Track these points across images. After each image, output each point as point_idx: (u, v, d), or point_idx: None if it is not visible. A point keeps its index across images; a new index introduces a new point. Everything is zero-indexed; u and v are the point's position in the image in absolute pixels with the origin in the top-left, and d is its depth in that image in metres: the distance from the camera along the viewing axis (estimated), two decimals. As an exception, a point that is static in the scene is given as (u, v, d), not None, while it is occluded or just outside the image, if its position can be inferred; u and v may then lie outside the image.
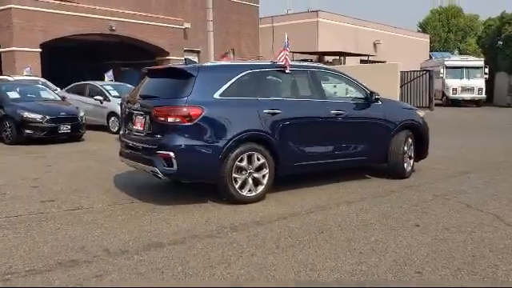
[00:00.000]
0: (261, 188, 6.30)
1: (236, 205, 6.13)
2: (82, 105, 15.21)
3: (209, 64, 6.64)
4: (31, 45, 21.76)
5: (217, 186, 6.21)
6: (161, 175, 5.91)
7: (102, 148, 11.73)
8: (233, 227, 5.31)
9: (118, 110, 14.43)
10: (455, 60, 31.36)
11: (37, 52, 22.12)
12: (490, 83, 31.81)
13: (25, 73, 19.21)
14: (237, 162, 6.06)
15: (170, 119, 5.82)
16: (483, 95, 30.21)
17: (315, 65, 7.12)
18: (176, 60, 32.26)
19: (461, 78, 30.10)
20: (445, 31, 62.31)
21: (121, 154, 6.84)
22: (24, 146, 12.03)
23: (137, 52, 31.16)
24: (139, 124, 6.33)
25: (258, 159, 6.23)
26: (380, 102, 7.39)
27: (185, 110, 5.78)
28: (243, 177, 6.16)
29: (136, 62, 33.73)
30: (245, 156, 6.12)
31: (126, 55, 32.80)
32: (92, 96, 15.79)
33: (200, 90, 5.94)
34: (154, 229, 5.29)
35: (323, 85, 7.22)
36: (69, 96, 15.89)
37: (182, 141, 5.77)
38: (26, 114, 12.30)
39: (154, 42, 29.34)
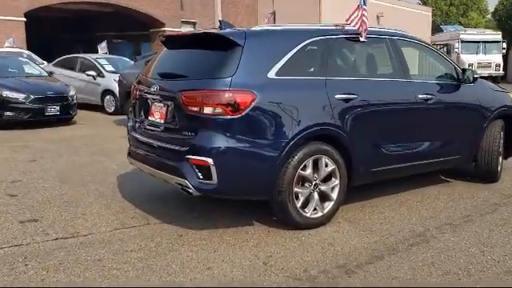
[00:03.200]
0: (329, 205, 4.49)
1: (297, 230, 4.31)
2: (72, 81, 13.25)
3: (258, 28, 4.68)
4: (14, 13, 19.60)
5: (269, 203, 4.36)
6: (192, 190, 4.05)
7: (98, 134, 9.79)
8: (309, 277, 3.49)
9: (113, 87, 12.53)
10: (471, 34, 29.39)
11: (21, 21, 19.92)
12: (504, 59, 30.04)
13: (7, 44, 17.10)
14: (299, 171, 4.20)
15: (206, 109, 3.93)
16: (501, 71, 28.42)
17: (394, 30, 5.10)
18: (173, 32, 30.12)
19: (477, 54, 28.27)
20: (446, 4, 60.39)
21: (130, 154, 4.94)
22: (3, 131, 10.07)
23: (130, 23, 29.17)
24: (158, 114, 4.42)
25: (327, 165, 4.39)
26: (473, 84, 5.51)
27: (228, 95, 3.89)
28: (307, 191, 4.32)
29: (129, 33, 31.65)
30: (310, 162, 4.28)
31: (118, 26, 30.79)
32: (84, 71, 13.76)
33: (249, 66, 4.04)
34: (190, 278, 3.45)
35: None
36: (57, 71, 13.85)
37: (224, 141, 3.90)
38: (6, 93, 10.33)
39: (148, 12, 27.15)
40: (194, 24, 33.65)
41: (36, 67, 12.55)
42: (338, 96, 4.42)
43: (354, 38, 4.76)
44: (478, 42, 28.54)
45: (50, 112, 10.64)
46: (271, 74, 4.12)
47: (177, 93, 4.16)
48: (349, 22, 4.73)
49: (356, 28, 4.72)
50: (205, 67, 4.20)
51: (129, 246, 4.05)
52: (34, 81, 11.31)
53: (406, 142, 5.03)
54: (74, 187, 5.79)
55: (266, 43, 4.27)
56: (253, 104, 3.96)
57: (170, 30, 29.95)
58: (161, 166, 4.36)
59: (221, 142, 3.93)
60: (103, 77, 13.39)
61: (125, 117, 11.38)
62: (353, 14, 4.72)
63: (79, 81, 13.66)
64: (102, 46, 16.80)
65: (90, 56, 14.61)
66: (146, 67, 5.01)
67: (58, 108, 10.71)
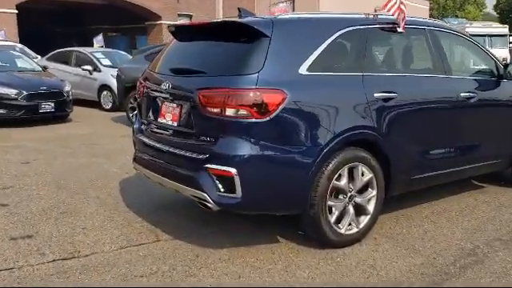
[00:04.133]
0: (365, 220, 3.94)
1: (329, 248, 3.77)
2: (67, 76, 12.60)
3: (286, 16, 4.09)
4: (6, 5, 18.82)
5: (298, 218, 3.81)
6: (212, 205, 3.47)
7: (96, 133, 9.18)
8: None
9: (111, 82, 11.93)
10: (477, 27, 28.77)
11: (13, 13, 19.17)
12: (511, 53, 29.49)
13: (-2, 37, 16.37)
14: (334, 181, 3.64)
15: (228, 111, 3.35)
16: (508, 66, 27.82)
17: (433, 21, 4.53)
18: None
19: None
20: (443, -3, 60.20)
21: (136, 160, 4.36)
22: (-5, 129, 9.43)
23: (125, 16, 28.54)
24: (170, 116, 3.85)
25: (363, 174, 3.83)
26: (514, 80, 4.97)
27: (255, 95, 3.32)
28: (341, 204, 3.77)
29: (124, 26, 30.97)
30: (345, 171, 3.72)
31: (113, 19, 30.16)
32: (79, 65, 13.11)
33: (278, 60, 3.47)
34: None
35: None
36: (51, 65, 13.19)
37: (250, 148, 3.34)
38: (-2, 89, 9.67)
39: (144, 5, 26.50)
40: (190, 17, 33.01)
41: (29, 61, 11.91)
42: (376, 95, 3.86)
43: (390, 28, 4.19)
44: (485, 35, 27.93)
45: (44, 109, 10.01)
46: (302, 70, 3.55)
47: (193, 91, 3.59)
48: (386, 10, 4.14)
49: (394, 17, 4.14)
50: (226, 62, 3.62)
51: (138, 269, 3.49)
52: (27, 76, 10.67)
53: (447, 146, 4.48)
54: (72, 194, 5.21)
55: (295, 33, 3.69)
56: (283, 105, 3.39)
57: (166, 23, 29.32)
58: (173, 176, 3.79)
59: (246, 149, 3.36)
60: (100, 71, 12.75)
61: (123, 114, 10.82)
62: (389, 1, 4.14)
63: (74, 75, 13.02)
64: (98, 39, 16.13)
65: (86, 49, 13.96)
66: (153, 62, 4.42)
67: (52, 105, 10.09)
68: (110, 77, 12.29)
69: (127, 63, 10.53)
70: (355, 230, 3.89)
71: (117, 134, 9.01)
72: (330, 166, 3.61)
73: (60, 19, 30.00)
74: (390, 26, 4.19)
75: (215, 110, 3.45)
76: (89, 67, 12.78)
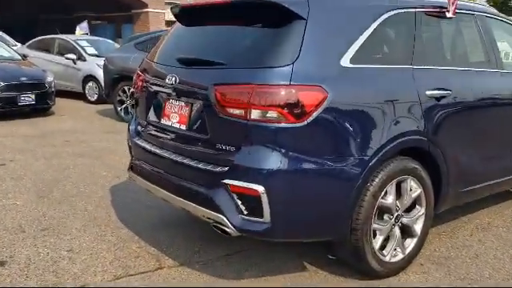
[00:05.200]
0: (412, 243, 3.29)
1: (371, 278, 3.09)
2: (49, 65, 11.72)
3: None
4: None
5: (333, 245, 3.12)
6: (231, 230, 2.75)
7: (81, 128, 8.35)
8: None
9: (96, 72, 11.15)
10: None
11: (-9, -2, 18.05)
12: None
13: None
14: (380, 200, 2.93)
15: (254, 113, 2.63)
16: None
17: (482, 6, 3.84)
18: (157, 13, 28.54)
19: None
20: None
21: (133, 169, 3.61)
22: (-31, 124, 8.57)
23: (110, 3, 27.47)
24: (176, 117, 3.11)
25: (411, 189, 3.14)
26: None
27: (289, 93, 2.61)
28: (387, 226, 3.09)
29: (109, 14, 29.89)
30: (392, 186, 3.02)
31: (97, 7, 29.06)
32: (62, 54, 12.22)
33: (316, 49, 2.75)
34: None
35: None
36: (31, 54, 12.28)
37: (282, 161, 2.62)
38: (-28, 79, 8.79)
39: (131, -9, 25.42)
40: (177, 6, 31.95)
41: (7, 49, 10.98)
42: (429, 92, 3.17)
43: (438, 12, 3.48)
44: None
45: (23, 101, 9.16)
46: (345, 62, 2.83)
47: (208, 87, 2.86)
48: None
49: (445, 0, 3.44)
50: (250, 51, 2.89)
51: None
52: (5, 65, 9.75)
53: (501, 152, 3.82)
54: (56, 205, 4.45)
55: (336, 15, 2.97)
56: (323, 106, 2.68)
57: (152, 11, 28.36)
58: (181, 192, 3.07)
59: (276, 161, 2.65)
60: (84, 60, 11.88)
61: (110, 107, 9.99)
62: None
63: (57, 65, 12.13)
64: (83, 26, 15.15)
65: (69, 37, 13.03)
66: (153, 50, 3.67)
67: (33, 97, 9.23)
68: (95, 67, 11.48)
69: (115, 52, 9.70)
70: (400, 256, 3.22)
71: (104, 129, 8.22)
72: (377, 180, 2.92)
73: (42, 6, 28.86)
74: (438, 9, 3.48)
75: (237, 112, 2.72)
76: (72, 56, 11.91)
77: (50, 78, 9.72)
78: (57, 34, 13.85)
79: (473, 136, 3.55)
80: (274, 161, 2.65)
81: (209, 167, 2.88)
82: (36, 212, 4.27)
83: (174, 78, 3.09)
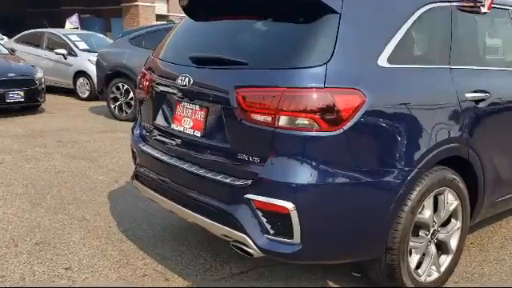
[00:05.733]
0: (447, 261, 3.04)
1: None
2: (38, 60, 11.33)
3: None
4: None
5: (363, 264, 2.81)
6: (255, 251, 2.43)
7: (74, 127, 7.96)
8: None
9: (88, 68, 10.78)
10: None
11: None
12: None
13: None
14: (418, 215, 2.63)
15: (283, 120, 2.33)
16: None
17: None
18: (147, 6, 28.06)
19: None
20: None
21: (138, 178, 3.27)
22: (-46, 122, 8.14)
23: (100, -4, 26.98)
24: (189, 122, 2.79)
25: (448, 202, 2.84)
26: None
27: (322, 97, 2.30)
28: (423, 243, 2.80)
29: (99, 8, 29.36)
30: (430, 199, 2.71)
31: (87, 0, 28.52)
32: (52, 49, 11.78)
33: (351, 46, 2.44)
34: None
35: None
36: (20, 48, 11.83)
37: (314, 174, 2.32)
38: (-43, 75, 8.35)
39: (121, -15, 24.95)
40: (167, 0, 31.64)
41: (-6, 43, 10.52)
42: (468, 95, 2.88)
43: (472, 7, 3.17)
44: None
45: (11, 98, 8.74)
46: (382, 61, 2.52)
47: (228, 90, 2.53)
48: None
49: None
50: (277, 49, 2.57)
51: None
52: (-8, 60, 9.32)
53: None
54: (51, 214, 4.10)
55: (372, 9, 2.65)
56: (360, 111, 2.37)
57: (142, 4, 27.89)
58: (196, 206, 2.74)
59: (308, 174, 2.33)
60: (75, 56, 11.45)
61: (103, 104, 9.59)
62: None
63: (46, 60, 11.70)
64: (72, 20, 14.69)
65: (59, 31, 12.58)
66: (159, 47, 3.32)
67: (22, 94, 8.81)
68: (86, 62, 11.10)
69: (109, 47, 9.30)
70: (436, 275, 2.94)
71: (98, 128, 7.85)
72: (415, 194, 2.62)
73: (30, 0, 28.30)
74: (472, 4, 3.17)
75: (262, 118, 2.40)
76: (63, 51, 11.48)
77: (39, 74, 9.31)
78: (46, 27, 13.37)
79: (507, 140, 3.26)
80: (305, 174, 2.33)
81: (228, 180, 2.55)
82: (29, 222, 3.92)
83: (186, 79, 2.75)
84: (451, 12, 2.99)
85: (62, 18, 16.01)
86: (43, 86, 9.33)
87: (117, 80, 8.51)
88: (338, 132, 2.34)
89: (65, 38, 11.84)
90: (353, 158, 2.39)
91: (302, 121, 2.33)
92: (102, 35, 13.65)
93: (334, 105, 2.32)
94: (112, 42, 10.63)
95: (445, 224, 2.96)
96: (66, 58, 11.48)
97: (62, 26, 15.01)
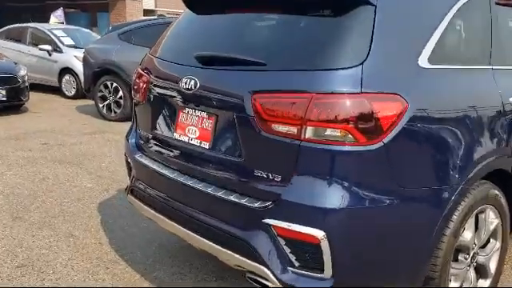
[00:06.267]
0: (485, 286, 2.61)
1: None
2: (21, 57, 10.83)
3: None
4: None
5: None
6: (277, 285, 2.04)
7: (59, 128, 7.50)
8: None
9: (74, 64, 10.33)
10: None
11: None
12: None
13: None
14: (459, 237, 2.28)
15: (311, 132, 1.96)
16: None
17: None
18: (134, 1, 27.42)
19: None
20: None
21: (134, 193, 2.89)
22: None
23: (85, -10, 26.30)
24: (195, 131, 2.41)
25: (488, 220, 2.50)
26: None
27: (358, 104, 1.94)
28: (463, 269, 2.47)
29: (84, 2, 28.64)
30: (472, 219, 2.37)
31: (71, -6, 27.78)
32: (36, 45, 11.25)
33: (389, 44, 2.07)
34: None
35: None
36: (1, 44, 11.31)
37: (348, 197, 1.94)
38: None
39: (107, -22, 24.30)
40: (155, -6, 31.05)
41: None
42: (512, 99, 2.51)
43: (506, 1, 2.82)
44: None
45: (-7, 97, 8.24)
46: (423, 61, 2.16)
47: (242, 95, 2.15)
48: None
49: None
50: (301, 46, 2.18)
51: None
52: (-28, 56, 8.81)
53: None
54: (34, 230, 3.69)
55: (409, 2, 2.26)
56: (402, 120, 2.00)
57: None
58: (203, 230, 2.36)
59: (342, 196, 1.97)
60: (60, 52, 10.94)
61: (90, 103, 9.13)
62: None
63: (30, 56, 11.19)
64: (57, 14, 14.14)
65: (44, 26, 12.04)
66: (158, 44, 2.92)
67: (3, 92, 8.33)
68: (72, 58, 10.61)
69: (96, 43, 8.82)
70: (476, 302, 2.57)
71: (85, 129, 7.40)
72: (458, 214, 2.27)
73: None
74: (511, -3, 2.82)
75: (285, 129, 2.02)
76: (47, 47, 10.96)
77: (22, 72, 8.82)
78: (29, 22, 12.82)
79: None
80: (338, 196, 1.96)
81: (243, 201, 2.17)
82: (10, 240, 3.50)
83: (192, 82, 2.36)
84: (490, 5, 2.62)
85: (45, 12, 15.40)
86: (26, 84, 8.84)
87: (105, 78, 8.06)
88: (376, 146, 1.96)
89: (49, 34, 11.32)
90: (393, 177, 2.03)
91: (334, 132, 1.95)
92: (88, 30, 13.13)
93: (373, 114, 1.94)
94: (99, 37, 10.16)
95: (484, 245, 2.60)
96: (50, 55, 10.97)
97: (47, 21, 14.45)
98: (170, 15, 19.94)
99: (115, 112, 8.07)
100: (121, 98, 7.96)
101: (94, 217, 3.97)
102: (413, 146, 2.07)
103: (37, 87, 10.95)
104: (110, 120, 8.06)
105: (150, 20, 8.59)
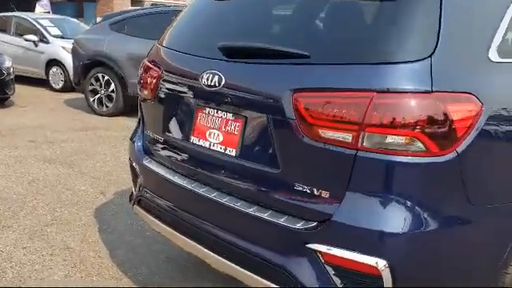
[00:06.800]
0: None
1: None
2: (6, 48, 10.32)
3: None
4: None
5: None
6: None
7: (47, 124, 7.05)
8: None
9: (62, 56, 9.89)
10: None
11: None
12: None
13: None
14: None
15: (370, 139, 1.61)
16: None
17: None
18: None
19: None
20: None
21: (141, 204, 2.53)
22: None
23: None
24: (218, 135, 2.05)
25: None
26: None
27: (427, 105, 1.57)
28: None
29: (70, -8, 27.92)
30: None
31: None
32: (21, 35, 10.73)
33: (458, 33, 1.69)
34: None
35: None
36: (-16, 34, 10.76)
37: (416, 219, 1.59)
38: None
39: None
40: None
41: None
42: None
43: None
44: None
45: (-24, 91, 7.75)
46: (493, 54, 1.80)
47: (281, 94, 1.78)
48: None
49: None
50: (354, 34, 1.81)
51: None
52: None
53: None
54: (25, 240, 3.31)
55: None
56: (477, 124, 1.65)
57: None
58: (228, 251, 2.00)
59: (408, 218, 1.63)
60: (47, 43, 10.44)
61: (80, 95, 8.67)
62: None
63: (15, 47, 10.66)
64: (43, 4, 13.57)
65: (29, 15, 11.49)
66: (169, 33, 2.54)
67: (-13, 85, 7.83)
68: (60, 49, 10.15)
69: (86, 33, 8.35)
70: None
71: (75, 125, 6.97)
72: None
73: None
74: None
75: (337, 136, 1.67)
76: (33, 37, 10.46)
77: (7, 63, 8.33)
78: (13, 11, 12.26)
79: None
80: (404, 218, 1.62)
81: (281, 220, 1.82)
82: (-3, 258, 3.11)
83: (216, 78, 1.99)
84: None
85: (29, 1, 14.82)
86: (12, 76, 8.35)
87: (96, 70, 7.62)
88: (449, 156, 1.62)
89: (35, 23, 10.79)
90: (468, 192, 1.69)
91: (399, 140, 1.60)
92: (76, 20, 12.61)
93: (447, 117, 1.59)
94: (88, 28, 9.69)
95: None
96: (36, 45, 10.47)
97: (32, 10, 13.87)
98: (158, 5, 19.37)
99: (107, 106, 7.64)
100: (113, 91, 7.53)
101: (91, 225, 3.59)
102: (488, 156, 1.73)
103: (23, 80, 10.44)
104: (101, 115, 7.64)
105: (144, 9, 8.15)
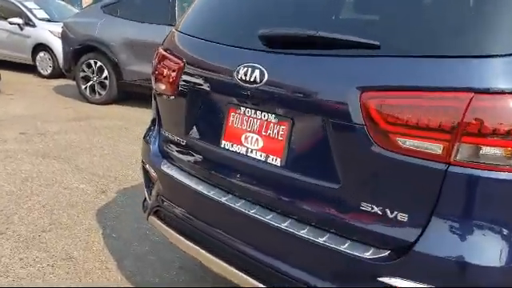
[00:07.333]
0: None
1: None
2: (-10, 32, 9.75)
3: None
4: None
5: None
6: None
7: (37, 113, 6.62)
8: None
9: (49, 40, 9.41)
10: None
11: None
12: None
13: None
14: None
15: (466, 150, 1.25)
16: None
17: None
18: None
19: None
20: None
21: (160, 215, 2.19)
22: None
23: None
24: (258, 141, 1.72)
25: None
26: None
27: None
28: None
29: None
30: None
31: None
32: (5, 18, 10.18)
33: None
34: None
35: None
36: (-33, 17, 10.19)
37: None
38: None
39: None
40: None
41: None
42: None
43: None
44: None
45: (-41, 78, 7.28)
46: None
47: (344, 92, 1.42)
48: None
49: None
50: (439, 20, 1.46)
51: None
52: None
53: None
54: (21, 250, 2.96)
55: None
56: None
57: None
58: (272, 279, 1.68)
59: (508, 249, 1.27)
60: (33, 26, 9.92)
61: (69, 82, 8.25)
62: None
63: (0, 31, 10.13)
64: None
65: (13, -3, 10.92)
66: (188, 16, 2.16)
67: (-29, 72, 7.36)
68: (47, 33, 9.66)
69: (76, 17, 7.87)
70: None
71: (68, 114, 6.56)
72: None
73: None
74: None
75: (421, 146, 1.34)
76: (18, 20, 9.92)
77: (-8, 49, 7.83)
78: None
79: None
80: (506, 248, 1.29)
81: (343, 247, 1.49)
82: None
83: (256, 72, 1.64)
84: None
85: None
86: (-3, 62, 7.88)
87: (88, 56, 7.19)
88: None
89: (20, 5, 10.24)
90: None
91: (504, 153, 1.26)
92: (63, 2, 12.06)
93: None
94: (77, 11, 9.20)
95: None
96: (22, 29, 9.94)
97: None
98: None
99: (100, 94, 7.23)
100: (106, 78, 7.11)
101: (93, 230, 3.25)
102: None
103: (8, 65, 9.93)
104: (94, 103, 7.23)
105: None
